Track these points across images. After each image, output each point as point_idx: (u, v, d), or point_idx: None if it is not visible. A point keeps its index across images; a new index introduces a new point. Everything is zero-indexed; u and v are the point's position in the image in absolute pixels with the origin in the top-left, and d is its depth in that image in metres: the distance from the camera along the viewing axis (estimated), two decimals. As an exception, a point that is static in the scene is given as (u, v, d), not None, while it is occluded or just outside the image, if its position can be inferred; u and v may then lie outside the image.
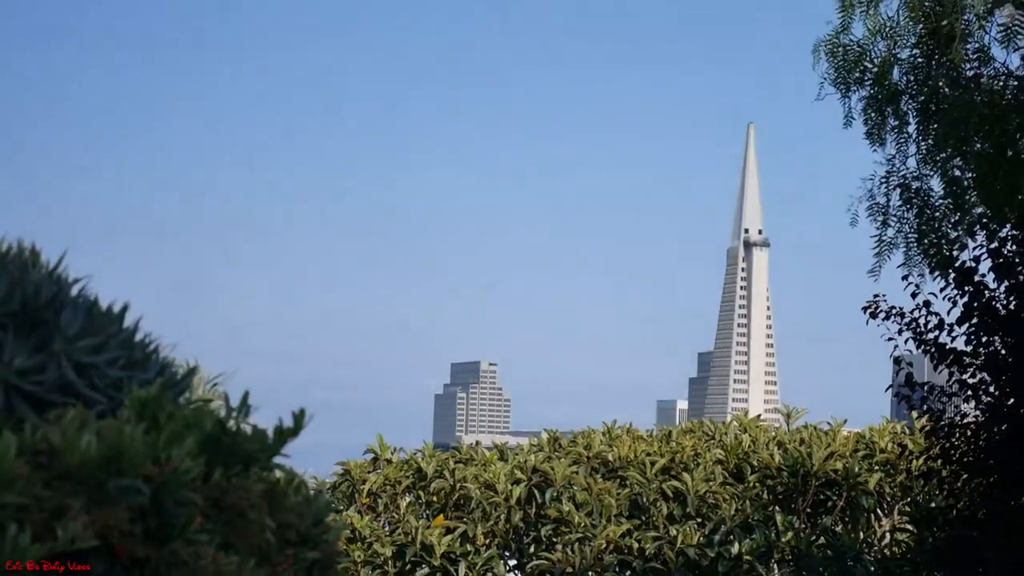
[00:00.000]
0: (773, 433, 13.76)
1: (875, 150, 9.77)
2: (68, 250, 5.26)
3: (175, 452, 4.38)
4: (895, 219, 9.89)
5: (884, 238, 9.94)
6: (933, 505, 11.56)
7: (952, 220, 9.94)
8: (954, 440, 10.77)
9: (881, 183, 9.88)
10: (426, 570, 12.65)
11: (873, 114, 9.64)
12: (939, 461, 10.88)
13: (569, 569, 12.59)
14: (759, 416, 14.79)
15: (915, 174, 9.87)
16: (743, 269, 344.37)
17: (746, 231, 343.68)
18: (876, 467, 12.99)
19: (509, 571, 13.14)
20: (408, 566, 12.72)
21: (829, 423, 13.79)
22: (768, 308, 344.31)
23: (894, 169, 9.85)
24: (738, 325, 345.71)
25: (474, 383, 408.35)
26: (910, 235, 9.90)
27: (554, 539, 12.95)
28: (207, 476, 4.70)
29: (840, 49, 9.51)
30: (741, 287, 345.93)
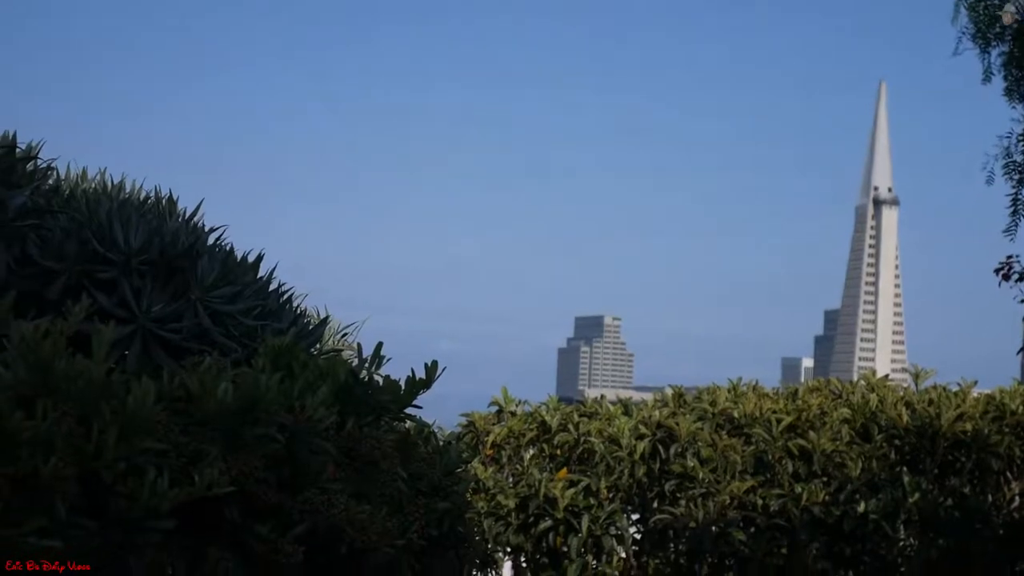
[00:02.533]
0: (901, 393, 13.64)
1: (1014, 107, 9.66)
2: (204, 199, 5.42)
3: (309, 401, 4.54)
4: None
5: (1021, 197, 9.82)
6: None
7: None
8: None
9: (1019, 141, 9.76)
10: (549, 523, 12.74)
11: (1014, 70, 9.53)
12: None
13: (692, 524, 12.64)
14: (887, 376, 14.65)
15: None
16: (872, 227, 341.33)
17: (875, 189, 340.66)
18: (1006, 429, 12.88)
19: (631, 524, 13.19)
20: (531, 518, 12.83)
21: (959, 384, 13.68)
22: (897, 267, 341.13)
23: None
24: (866, 284, 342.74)
25: (597, 338, 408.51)
26: None
27: (677, 494, 12.99)
28: (340, 425, 4.86)
29: (981, 3, 9.40)
30: (870, 245, 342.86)
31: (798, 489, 12.62)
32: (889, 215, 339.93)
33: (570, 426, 13.51)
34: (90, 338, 4.85)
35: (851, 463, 12.85)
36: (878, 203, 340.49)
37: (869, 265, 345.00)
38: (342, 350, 6.76)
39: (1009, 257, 10.83)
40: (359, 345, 5.10)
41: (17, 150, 5.27)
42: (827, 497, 12.57)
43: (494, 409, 13.94)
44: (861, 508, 12.50)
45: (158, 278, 4.88)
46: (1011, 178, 9.78)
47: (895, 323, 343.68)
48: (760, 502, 12.58)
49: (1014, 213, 9.90)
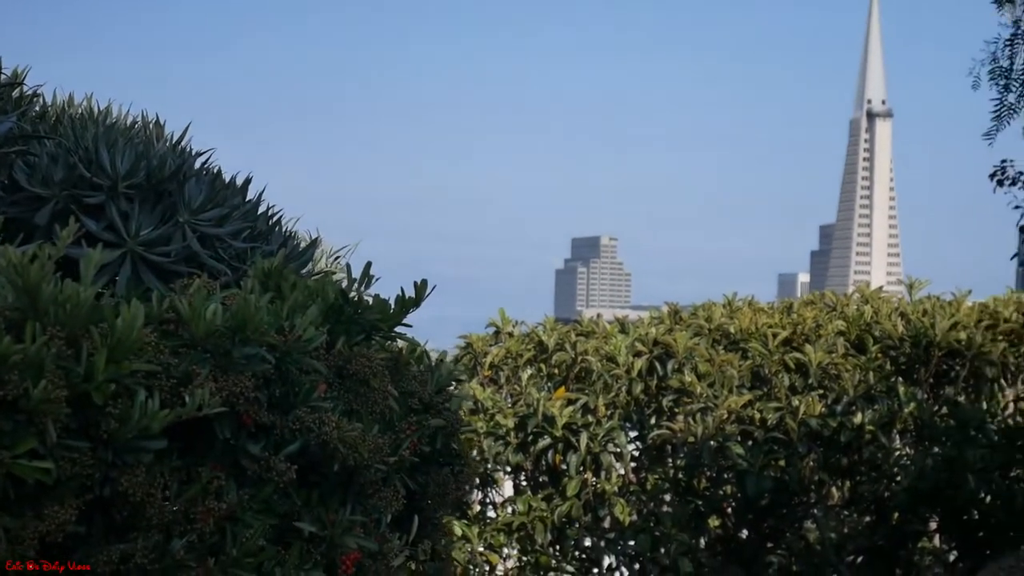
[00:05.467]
0: (895, 304, 13.68)
1: (1002, 13, 9.62)
2: (192, 123, 5.42)
3: (299, 321, 4.56)
4: (1018, 83, 9.75)
5: (1005, 102, 9.82)
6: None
7: None
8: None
9: (1005, 45, 9.74)
10: (548, 440, 12.80)
11: (1002, -26, 9.50)
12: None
13: (690, 439, 12.72)
14: (881, 288, 14.69)
15: None
16: (866, 140, 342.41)
17: (869, 102, 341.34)
18: (1000, 337, 12.93)
19: (630, 441, 13.26)
20: (530, 437, 12.89)
21: (953, 293, 13.72)
22: (891, 180, 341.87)
23: (1020, 31, 9.70)
24: (860, 197, 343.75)
25: (595, 258, 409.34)
26: None
27: (675, 410, 13.06)
28: (330, 345, 4.88)
29: None
30: (864, 159, 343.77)
31: (795, 402, 12.69)
32: (883, 127, 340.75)
33: (567, 345, 13.56)
34: (78, 262, 4.87)
35: (846, 375, 12.91)
36: (871, 116, 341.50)
37: (864, 179, 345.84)
38: (334, 272, 6.78)
39: (1003, 161, 10.86)
40: (348, 266, 5.12)
41: (2, 76, 5.27)
42: (823, 409, 12.65)
43: (491, 331, 13.99)
44: (857, 419, 12.58)
45: (145, 202, 4.88)
46: (996, 83, 9.76)
47: (890, 236, 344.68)
48: (757, 416, 12.66)
49: (997, 118, 9.88)
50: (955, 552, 12.80)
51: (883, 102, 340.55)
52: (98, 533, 4.07)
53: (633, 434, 13.60)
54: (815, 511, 13.24)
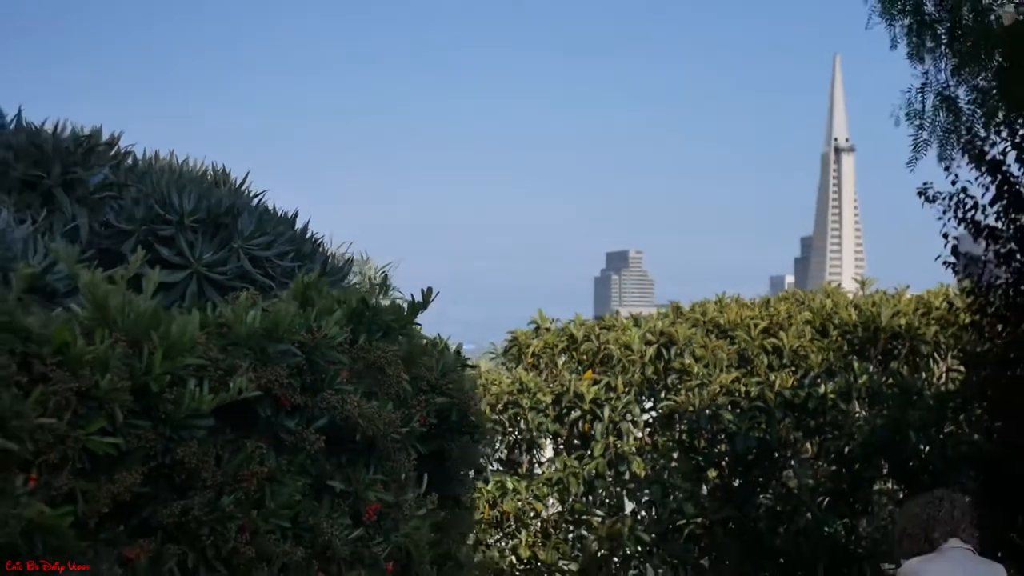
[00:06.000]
0: (851, 297, 13.52)
1: (914, 67, 9.54)
2: (250, 170, 5.41)
3: (324, 323, 4.50)
4: (929, 122, 9.67)
5: (919, 138, 9.74)
6: (977, 350, 11.34)
7: (979, 121, 9.73)
8: (990, 298, 10.61)
9: (918, 93, 9.65)
10: (578, 412, 12.78)
11: (913, 38, 9.41)
12: (978, 315, 10.74)
13: (690, 408, 12.60)
14: (839, 285, 14.59)
15: (945, 85, 9.63)
16: (834, 170, 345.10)
17: (835, 139, 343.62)
18: (932, 322, 12.76)
19: (643, 412, 13.17)
20: (564, 409, 12.85)
21: (895, 288, 13.57)
22: (855, 202, 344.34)
23: (928, 81, 9.61)
24: (831, 214, 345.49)
25: (624, 268, 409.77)
26: (941, 134, 9.70)
27: (678, 385, 12.97)
28: (353, 341, 4.82)
29: None
30: (833, 185, 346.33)
31: (772, 377, 12.56)
32: (847, 159, 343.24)
33: (592, 337, 13.50)
34: (158, 283, 4.87)
35: (812, 355, 12.78)
36: (838, 151, 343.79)
37: (833, 200, 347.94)
38: (378, 283, 6.72)
39: (925, 183, 10.77)
40: (370, 277, 5.07)
41: (104, 138, 5.29)
42: (794, 382, 12.50)
43: (533, 327, 13.94)
44: (822, 390, 12.41)
45: (206, 232, 4.87)
46: (912, 122, 9.66)
47: (856, 244, 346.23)
48: (743, 389, 12.53)
49: (915, 149, 9.78)
50: (903, 493, 12.59)
51: (847, 139, 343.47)
52: (163, 493, 4.05)
53: (648, 405, 13.49)
54: (792, 463, 13.05)
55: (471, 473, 6.28)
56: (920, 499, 7.64)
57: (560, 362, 13.27)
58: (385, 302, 5.00)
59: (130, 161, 5.32)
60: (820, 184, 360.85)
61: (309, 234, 5.52)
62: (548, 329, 13.76)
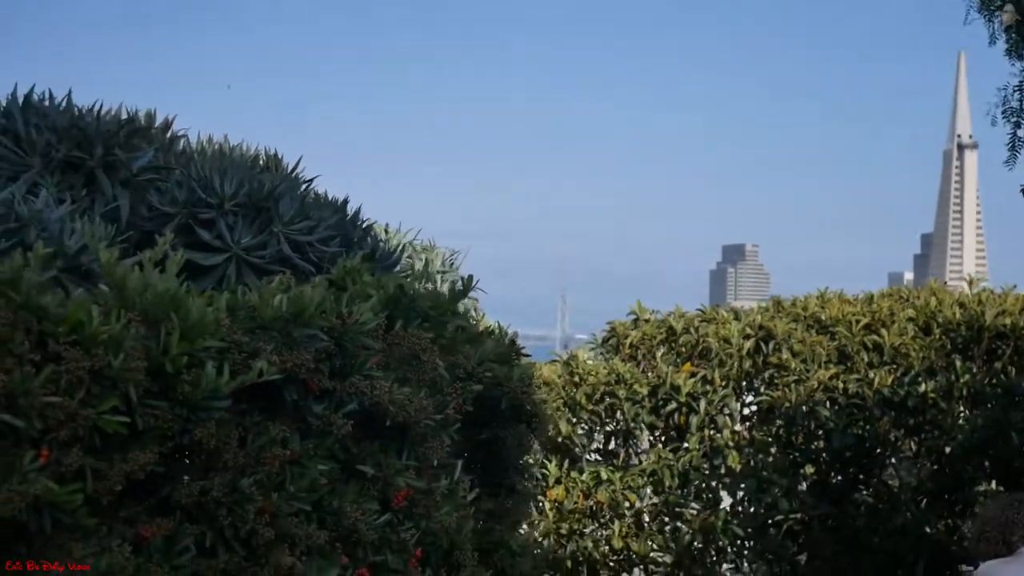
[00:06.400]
0: (956, 295, 13.09)
1: (1012, 64, 9.19)
2: (303, 156, 5.36)
3: (356, 308, 4.42)
4: None
5: (1018, 135, 9.38)
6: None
7: None
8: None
9: (1014, 91, 9.30)
10: (674, 405, 12.60)
11: (1013, 34, 9.07)
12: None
13: (787, 404, 12.33)
14: (945, 283, 14.15)
15: None
16: (957, 167, 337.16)
17: (958, 136, 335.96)
18: (1038, 322, 12.30)
19: (741, 406, 12.94)
20: (660, 401, 12.68)
21: (1002, 287, 13.11)
22: (977, 198, 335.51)
23: None
24: (953, 211, 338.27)
25: (740, 261, 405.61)
26: None
27: (775, 381, 12.68)
28: (389, 327, 4.74)
29: None
30: (956, 181, 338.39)
31: (871, 375, 12.21)
32: (970, 156, 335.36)
33: (691, 329, 13.27)
34: (197, 266, 4.84)
35: (914, 353, 12.40)
36: (961, 147, 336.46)
37: (956, 196, 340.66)
38: (445, 271, 6.65)
39: None
40: (418, 268, 4.99)
41: (155, 122, 5.29)
42: (894, 380, 12.14)
43: (632, 317, 13.75)
44: (922, 388, 12.05)
45: (247, 216, 4.83)
46: (1009, 120, 9.30)
47: (978, 242, 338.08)
48: (841, 386, 12.20)
49: (1012, 148, 9.43)
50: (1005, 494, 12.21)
51: (970, 136, 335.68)
52: (182, 473, 4.02)
53: (749, 399, 13.25)
54: (892, 461, 12.72)
55: (528, 461, 6.18)
56: (1000, 501, 7.36)
57: (658, 354, 13.06)
58: (444, 288, 4.91)
59: (182, 144, 5.31)
60: (942, 181, 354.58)
61: (361, 220, 5.45)
62: (647, 320, 13.56)
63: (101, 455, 3.71)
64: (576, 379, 13.03)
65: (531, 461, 11.96)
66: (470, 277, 4.97)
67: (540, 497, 12.85)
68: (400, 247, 5.83)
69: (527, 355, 5.68)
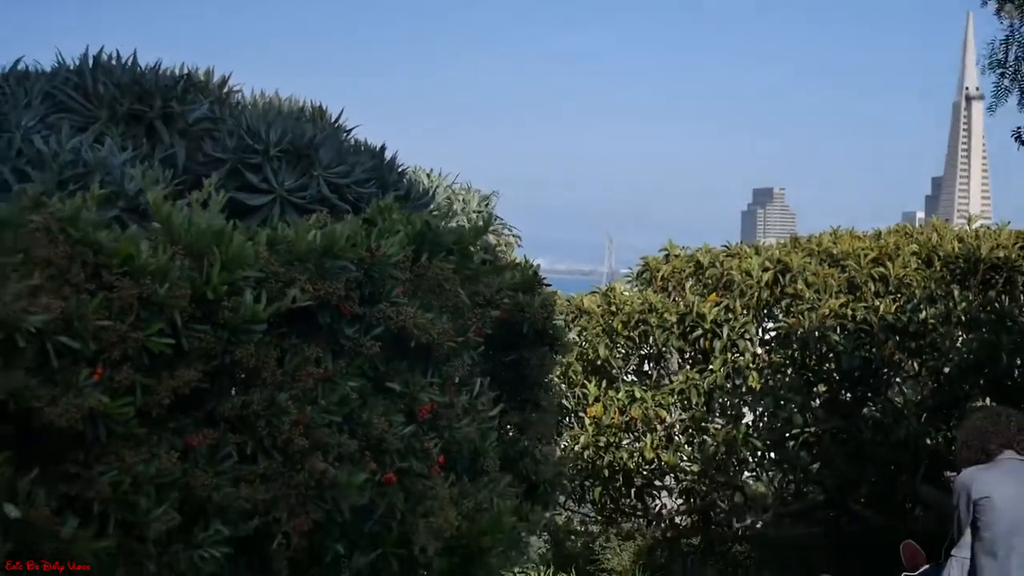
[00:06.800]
0: (956, 231, 12.83)
1: (1001, 21, 8.97)
2: (345, 107, 5.29)
3: (384, 242, 4.37)
4: (1011, 70, 9.10)
5: (1001, 85, 9.18)
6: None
7: None
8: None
9: (1001, 43, 9.08)
10: (700, 331, 12.51)
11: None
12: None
13: (801, 330, 12.18)
14: (947, 221, 13.87)
15: None
16: (964, 117, 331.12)
17: (966, 88, 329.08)
18: (1029, 254, 12.04)
19: (760, 332, 12.81)
20: (688, 328, 12.58)
21: (997, 224, 12.83)
22: (984, 144, 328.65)
23: (1012, 33, 9.04)
24: (960, 156, 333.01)
25: (769, 202, 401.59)
26: (1022, 81, 9.14)
27: (791, 309, 12.53)
28: (416, 260, 4.68)
29: None
30: (964, 129, 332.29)
31: (877, 303, 12.02)
32: (977, 106, 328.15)
33: (717, 263, 13.13)
34: (245, 206, 4.82)
35: (916, 283, 12.19)
36: (968, 99, 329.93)
37: (963, 143, 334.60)
38: (480, 211, 6.57)
39: (1019, 127, 10.14)
40: (448, 205, 4.92)
41: (213, 78, 5.24)
42: (898, 308, 11.95)
43: (663, 254, 13.62)
44: (923, 315, 11.86)
45: (290, 162, 4.78)
46: (994, 71, 9.09)
47: (983, 184, 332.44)
48: (850, 313, 12.04)
49: (996, 95, 9.24)
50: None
51: (977, 88, 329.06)
52: (225, 389, 4.00)
53: (768, 325, 13.11)
54: (896, 380, 12.56)
55: (552, 379, 6.12)
56: (980, 413, 7.24)
57: (687, 286, 12.94)
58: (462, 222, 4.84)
59: (237, 99, 5.27)
60: (951, 129, 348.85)
61: (398, 165, 5.39)
62: (677, 256, 13.43)
63: (150, 373, 3.70)
64: (613, 308, 12.95)
65: (556, 379, 11.95)
66: (490, 215, 4.95)
67: (581, 413, 12.85)
68: (435, 188, 5.76)
69: (547, 284, 5.61)
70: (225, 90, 5.16)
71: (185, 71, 4.95)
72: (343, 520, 4.11)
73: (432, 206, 5.41)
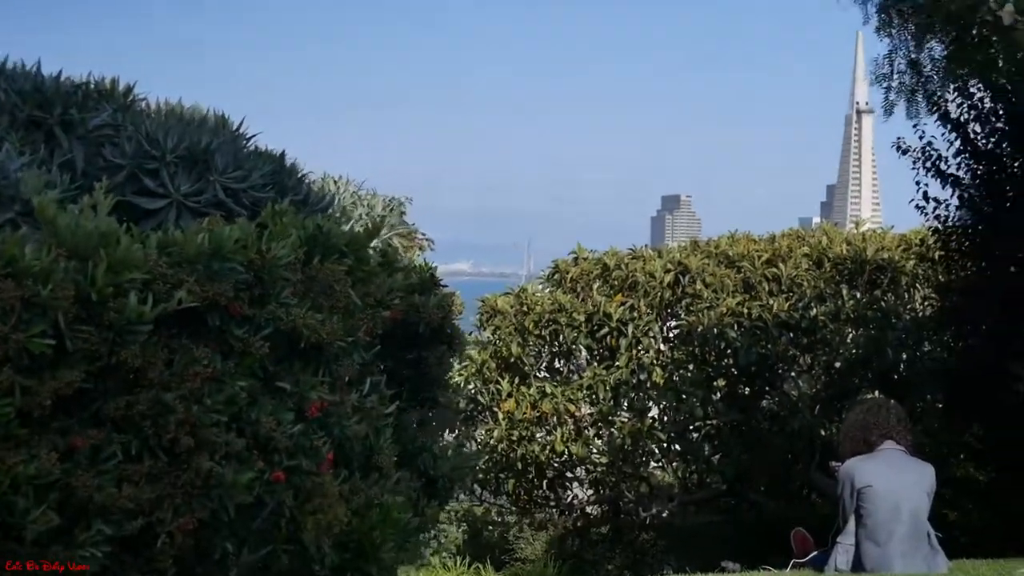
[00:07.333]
0: (845, 234, 12.96)
1: (883, 39, 9.09)
2: (246, 116, 5.15)
3: (275, 245, 4.22)
4: (896, 83, 9.25)
5: (888, 99, 9.33)
6: (943, 281, 10.84)
7: (938, 83, 9.28)
8: (952, 237, 10.17)
9: (885, 59, 9.23)
10: (607, 329, 12.49)
11: (882, 14, 8.94)
12: (944, 251, 10.32)
13: (700, 327, 12.21)
14: (835, 223, 14.05)
15: (909, 51, 9.15)
16: (856, 129, 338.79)
17: (857, 103, 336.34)
18: (911, 256, 12.18)
19: (663, 330, 12.83)
20: (595, 327, 12.55)
21: (882, 228, 13.00)
22: (873, 156, 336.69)
23: (894, 49, 9.18)
24: (852, 165, 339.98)
25: (676, 209, 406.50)
26: (907, 93, 9.26)
27: (691, 308, 12.55)
28: (307, 262, 4.54)
29: None
30: (855, 139, 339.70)
31: (771, 302, 12.09)
32: (867, 120, 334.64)
33: (622, 266, 13.13)
34: (143, 210, 4.65)
35: (807, 283, 12.28)
36: (859, 112, 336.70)
37: (855, 153, 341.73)
38: (385, 215, 6.45)
39: (898, 138, 10.37)
40: (343, 208, 4.79)
41: (119, 87, 5.07)
42: (791, 306, 12.02)
43: (572, 256, 13.59)
44: (814, 312, 11.96)
45: (187, 167, 4.63)
46: (880, 84, 9.25)
47: (873, 191, 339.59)
48: (746, 311, 12.09)
49: (885, 109, 9.40)
50: (884, 401, 12.15)
51: (866, 103, 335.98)
52: (111, 390, 3.84)
53: (670, 323, 13.13)
54: (791, 375, 12.64)
55: (450, 378, 6.02)
56: (861, 406, 7.23)
57: (595, 287, 12.92)
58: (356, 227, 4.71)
59: (142, 107, 5.10)
60: (844, 140, 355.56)
61: (299, 171, 5.25)
62: (586, 259, 13.41)
63: (31, 374, 3.53)
64: (525, 308, 12.89)
65: (471, 376, 11.78)
66: (382, 219, 4.79)
67: (495, 409, 12.76)
68: (338, 193, 5.63)
69: (444, 286, 5.50)
70: (130, 98, 4.99)
71: (91, 80, 4.78)
72: (230, 518, 3.96)
73: (331, 210, 5.27)
